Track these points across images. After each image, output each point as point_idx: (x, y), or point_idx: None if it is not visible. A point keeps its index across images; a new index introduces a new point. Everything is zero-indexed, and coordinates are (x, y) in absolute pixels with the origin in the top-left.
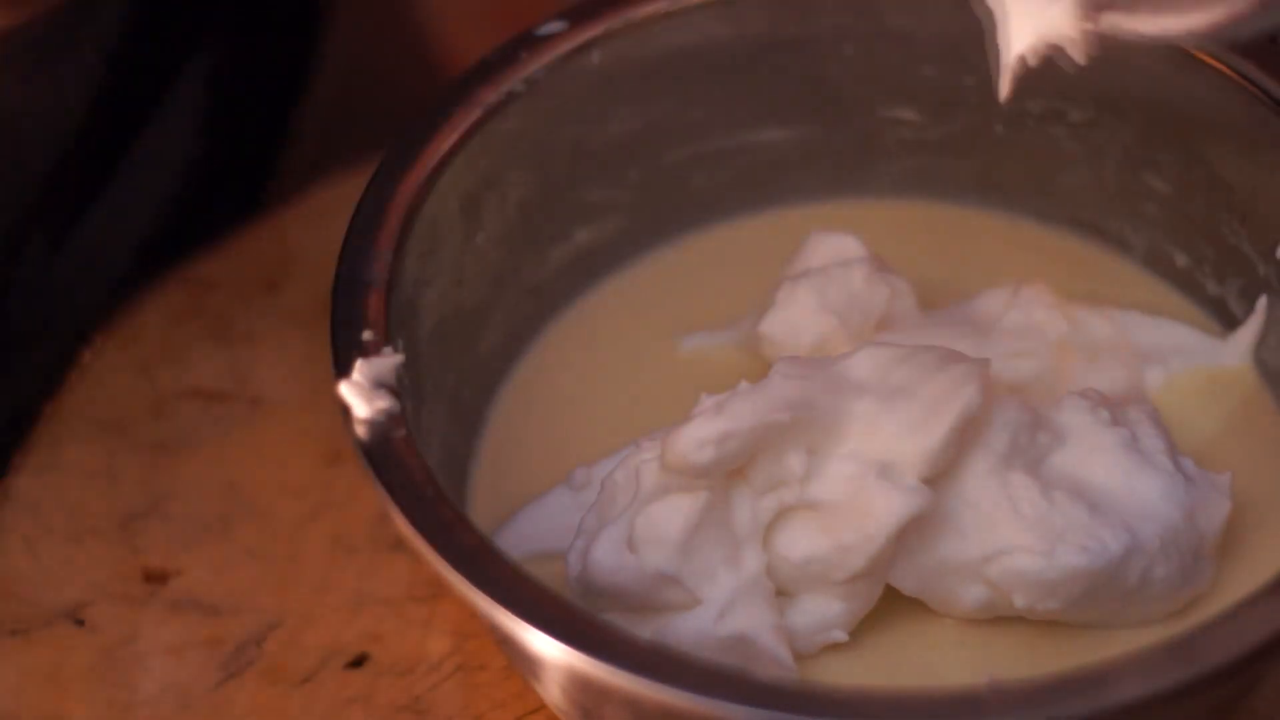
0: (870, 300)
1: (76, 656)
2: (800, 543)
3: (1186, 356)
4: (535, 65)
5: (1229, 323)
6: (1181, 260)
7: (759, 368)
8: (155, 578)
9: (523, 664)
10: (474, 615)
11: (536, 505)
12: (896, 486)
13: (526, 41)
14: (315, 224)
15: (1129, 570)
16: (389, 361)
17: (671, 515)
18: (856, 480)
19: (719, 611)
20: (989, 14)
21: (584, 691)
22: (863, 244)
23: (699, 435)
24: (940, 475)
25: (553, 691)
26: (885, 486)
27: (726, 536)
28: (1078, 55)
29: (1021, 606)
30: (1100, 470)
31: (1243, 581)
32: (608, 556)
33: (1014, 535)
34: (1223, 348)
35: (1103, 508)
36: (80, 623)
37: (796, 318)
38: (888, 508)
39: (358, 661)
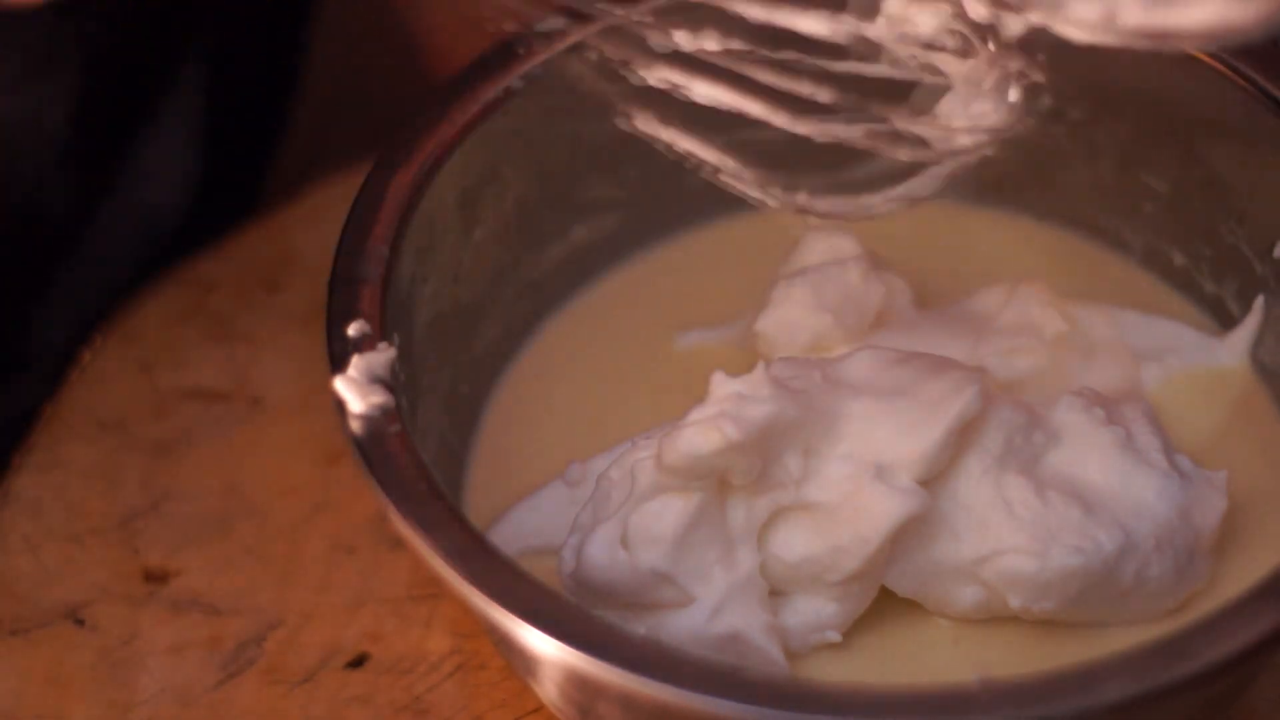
0: (866, 298)
1: (76, 656)
2: (795, 543)
3: (1183, 355)
4: (534, 62)
5: (1226, 322)
6: (1179, 259)
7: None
8: (155, 578)
9: (517, 661)
10: (473, 614)
11: (531, 500)
12: (892, 488)
13: (525, 38)
14: (315, 224)
15: (1124, 569)
16: (384, 356)
17: (666, 514)
18: (852, 481)
19: (712, 610)
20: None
21: (578, 688)
22: (858, 242)
23: (698, 440)
24: (936, 477)
25: (548, 689)
26: (881, 488)
27: (721, 536)
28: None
29: (1017, 607)
30: (1095, 469)
31: (1240, 579)
32: (602, 553)
33: (1008, 536)
34: (1220, 347)
35: (1097, 507)
36: (80, 623)
37: (792, 316)
38: (883, 509)
39: (358, 661)
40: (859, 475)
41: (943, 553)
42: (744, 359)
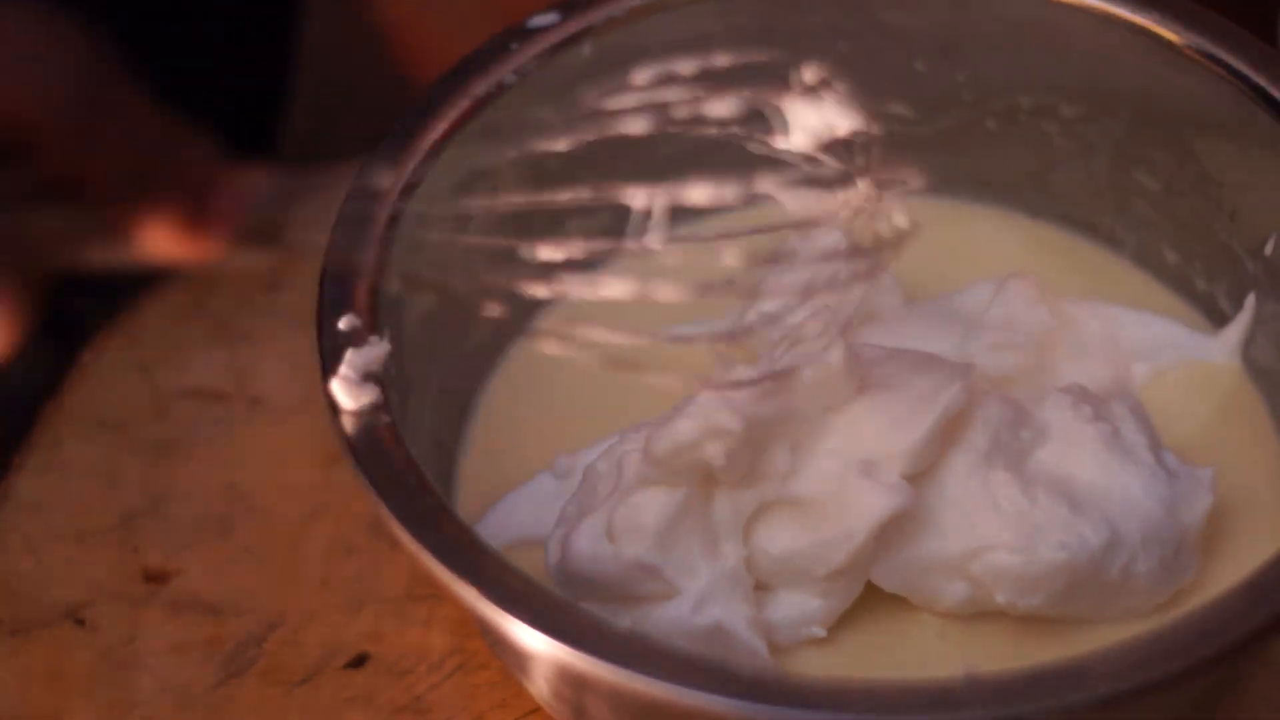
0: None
1: (76, 656)
2: (781, 537)
3: (1173, 352)
4: (526, 57)
5: (1218, 319)
6: (1171, 257)
7: (743, 359)
8: (155, 578)
9: (508, 657)
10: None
11: (520, 492)
12: (878, 483)
13: (517, 33)
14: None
15: (1110, 564)
16: (376, 351)
17: (651, 506)
18: (839, 477)
19: (696, 602)
20: None
21: (567, 683)
22: (844, 236)
23: (684, 435)
24: (922, 472)
25: (540, 685)
26: (867, 484)
27: (706, 528)
28: None
29: (1003, 602)
30: (1082, 466)
31: (1228, 575)
32: (586, 546)
33: (994, 532)
34: (1210, 344)
35: (1083, 503)
36: (80, 623)
37: (780, 308)
38: (869, 504)
39: (358, 661)
40: (845, 470)
41: (929, 548)
42: (733, 353)
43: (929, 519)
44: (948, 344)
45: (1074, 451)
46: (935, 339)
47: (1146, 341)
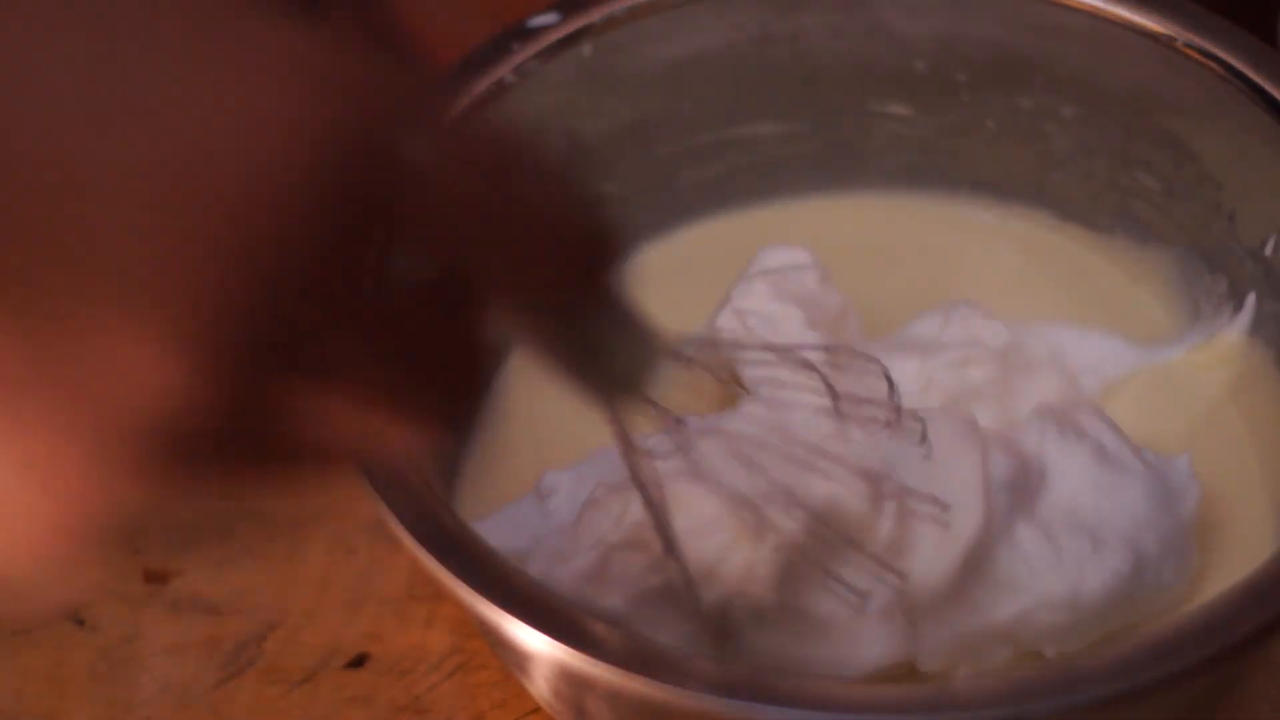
0: (825, 299)
1: (76, 656)
2: (772, 645)
3: (1115, 365)
4: (526, 56)
5: (1216, 319)
6: (1170, 257)
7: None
8: (155, 578)
9: (507, 656)
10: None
11: (505, 512)
12: (888, 627)
13: (517, 33)
14: None
15: (1141, 584)
16: None
17: (635, 570)
18: (844, 605)
19: None
20: None
21: (566, 683)
22: (812, 254)
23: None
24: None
25: (539, 685)
26: (876, 627)
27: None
28: None
29: (1052, 655)
30: (1086, 493)
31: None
32: (570, 582)
33: (1033, 594)
34: (1153, 353)
35: (1102, 532)
36: (80, 623)
37: (755, 307)
38: (870, 651)
39: (358, 661)
40: (858, 598)
41: (972, 625)
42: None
43: (966, 599)
44: (908, 367)
45: (1075, 481)
46: (896, 364)
47: (1090, 358)
